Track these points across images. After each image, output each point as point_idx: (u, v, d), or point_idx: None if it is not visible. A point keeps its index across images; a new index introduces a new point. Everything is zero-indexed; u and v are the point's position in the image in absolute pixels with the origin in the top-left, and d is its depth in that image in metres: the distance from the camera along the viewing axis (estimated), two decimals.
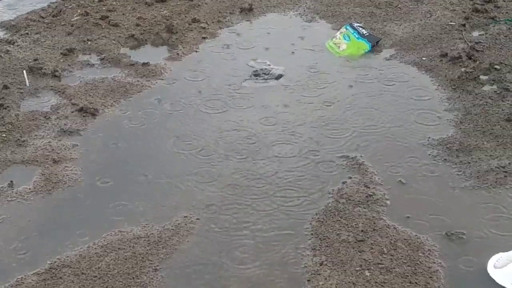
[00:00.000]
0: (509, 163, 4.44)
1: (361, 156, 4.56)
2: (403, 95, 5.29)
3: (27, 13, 6.47)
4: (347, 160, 4.53)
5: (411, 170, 4.42)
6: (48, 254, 3.74)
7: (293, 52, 5.98)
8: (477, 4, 6.54)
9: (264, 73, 5.62)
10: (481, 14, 6.40)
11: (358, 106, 5.16)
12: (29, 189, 4.24)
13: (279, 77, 5.58)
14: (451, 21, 6.33)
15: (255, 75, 5.60)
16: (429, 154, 4.58)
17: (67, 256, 3.71)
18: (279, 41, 6.15)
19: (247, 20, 6.52)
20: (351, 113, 5.08)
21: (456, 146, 4.64)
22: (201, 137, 4.80)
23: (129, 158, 4.59)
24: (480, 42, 5.95)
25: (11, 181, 4.29)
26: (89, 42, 5.99)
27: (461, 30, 6.17)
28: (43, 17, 6.37)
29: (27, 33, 6.10)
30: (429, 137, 4.76)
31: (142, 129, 4.90)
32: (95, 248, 3.76)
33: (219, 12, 6.62)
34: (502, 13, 6.41)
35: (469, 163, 4.47)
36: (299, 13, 6.63)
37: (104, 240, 3.82)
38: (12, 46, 5.88)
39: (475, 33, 6.13)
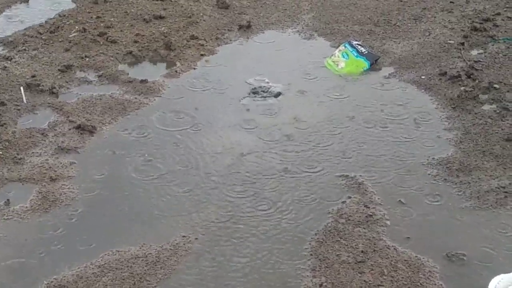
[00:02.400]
0: (509, 183, 4.44)
1: (360, 176, 4.55)
2: (403, 114, 5.29)
3: (25, 29, 6.46)
4: (346, 180, 4.52)
5: (411, 190, 4.41)
6: (45, 274, 3.71)
7: (291, 70, 5.96)
8: (476, 22, 6.55)
9: (263, 91, 5.62)
10: (480, 32, 6.41)
11: (357, 125, 5.15)
12: (26, 207, 4.22)
13: (277, 95, 5.57)
14: (450, 40, 6.34)
15: (254, 93, 5.60)
16: (429, 174, 4.57)
17: (64, 276, 3.69)
18: (277, 59, 6.14)
19: (245, 38, 6.51)
20: (350, 132, 5.07)
21: (456, 165, 4.63)
22: (197, 155, 4.79)
23: (126, 176, 4.57)
24: (479, 61, 5.96)
25: (8, 200, 4.27)
26: (86, 59, 5.97)
27: (460, 49, 6.18)
28: (40, 33, 6.36)
29: (25, 49, 6.09)
30: (429, 157, 4.75)
31: (140, 147, 4.88)
32: (92, 268, 3.74)
33: (217, 29, 6.62)
34: (501, 32, 6.42)
35: (469, 183, 4.47)
36: (298, 31, 6.64)
37: (101, 260, 3.80)
38: (9, 62, 5.87)
39: (474, 52, 6.14)
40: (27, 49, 6.11)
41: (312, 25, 6.74)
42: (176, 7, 6.90)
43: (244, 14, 6.84)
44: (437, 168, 4.62)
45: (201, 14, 6.82)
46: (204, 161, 4.73)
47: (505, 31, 6.44)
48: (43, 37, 6.30)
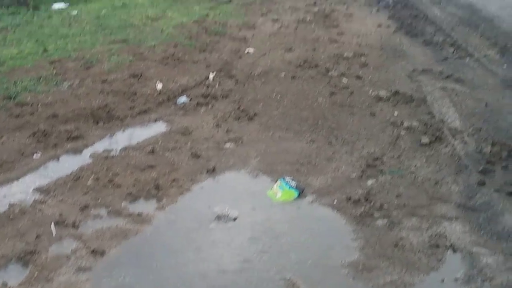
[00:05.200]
0: (398, 278, 4.47)
1: (293, 276, 4.54)
2: (322, 229, 5.34)
3: (56, 179, 6.42)
4: (284, 280, 4.50)
5: (330, 286, 4.40)
6: None
7: (244, 199, 6.00)
8: (369, 161, 6.71)
9: (225, 216, 5.63)
10: (373, 168, 6.57)
11: (291, 238, 5.18)
12: None
13: (235, 219, 5.60)
14: (352, 174, 6.46)
15: (218, 218, 5.62)
16: (342, 273, 4.58)
17: None
18: (234, 191, 6.19)
19: (212, 177, 6.55)
20: (286, 243, 5.08)
21: (361, 266, 4.67)
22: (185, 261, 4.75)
23: (128, 285, 4.50)
24: (373, 188, 6.08)
25: None
26: (99, 200, 5.94)
27: (359, 180, 6.29)
28: (66, 182, 6.33)
29: (55, 195, 6.05)
30: (342, 260, 4.78)
31: (138, 259, 4.83)
32: None
33: (192, 172, 6.66)
34: (387, 167, 6.58)
35: (371, 279, 4.49)
36: (248, 171, 6.71)
37: None
38: (44, 205, 5.82)
39: (369, 182, 6.25)
40: (57, 194, 6.07)
41: (258, 167, 6.82)
42: (163, 158, 6.96)
43: (210, 161, 6.91)
44: (348, 268, 4.65)
45: (180, 162, 6.88)
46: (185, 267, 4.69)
47: (389, 166, 6.60)
48: (68, 185, 6.27)
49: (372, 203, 5.70)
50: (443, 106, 8.39)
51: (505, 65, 10.05)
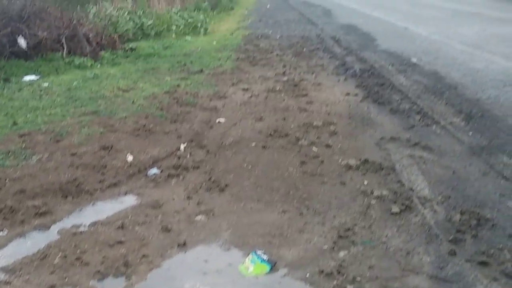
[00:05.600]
0: None
1: None
2: None
3: (22, 258, 6.26)
4: None
5: None
6: None
7: (216, 274, 5.93)
8: (341, 231, 6.71)
9: None
10: (345, 239, 6.56)
11: None
12: None
13: None
14: (324, 245, 6.44)
15: None
16: None
17: None
18: (206, 266, 6.11)
19: (182, 252, 6.47)
20: None
21: None
22: None
23: None
24: (345, 260, 6.06)
25: None
26: (66, 279, 5.80)
27: (331, 251, 6.27)
28: (33, 261, 6.17)
29: (21, 274, 5.89)
30: None
31: None
32: None
33: (163, 247, 6.57)
34: (359, 237, 6.58)
35: None
36: (220, 245, 6.64)
37: None
38: (9, 286, 5.67)
39: (341, 254, 6.24)
40: (22, 274, 5.92)
41: (230, 239, 6.77)
42: (132, 233, 6.87)
43: (181, 235, 6.85)
44: None
45: (150, 237, 6.80)
46: None
47: (361, 237, 6.61)
48: (34, 264, 6.13)
49: (344, 276, 5.67)
50: (412, 174, 8.51)
51: (471, 132, 10.31)
